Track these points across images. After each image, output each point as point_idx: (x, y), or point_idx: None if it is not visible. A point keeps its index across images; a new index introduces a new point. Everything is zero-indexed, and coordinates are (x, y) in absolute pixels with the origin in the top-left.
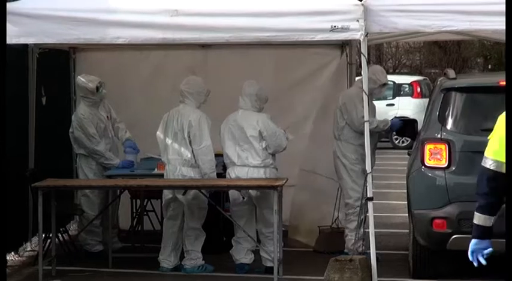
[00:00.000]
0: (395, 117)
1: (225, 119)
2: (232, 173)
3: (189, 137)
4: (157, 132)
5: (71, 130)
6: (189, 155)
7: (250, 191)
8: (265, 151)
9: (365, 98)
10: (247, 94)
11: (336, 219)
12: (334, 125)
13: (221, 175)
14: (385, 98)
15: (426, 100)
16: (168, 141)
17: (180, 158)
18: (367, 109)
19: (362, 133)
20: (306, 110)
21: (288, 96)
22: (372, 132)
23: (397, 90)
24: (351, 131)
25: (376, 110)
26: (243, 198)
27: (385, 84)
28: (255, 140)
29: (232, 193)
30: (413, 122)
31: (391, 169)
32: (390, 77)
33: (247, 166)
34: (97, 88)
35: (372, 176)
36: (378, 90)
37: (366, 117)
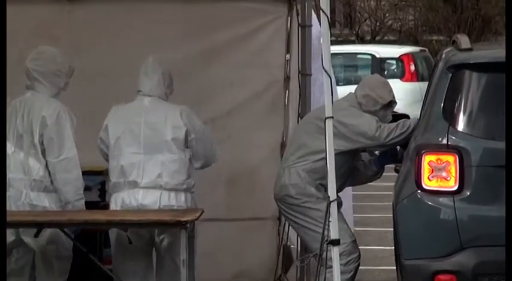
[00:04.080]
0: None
1: (110, 110)
2: (131, 199)
3: (41, 143)
4: None
5: None
6: (42, 173)
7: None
8: (190, 164)
9: (326, 79)
10: (155, 73)
11: (280, 276)
12: (293, 143)
13: (98, 204)
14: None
15: (424, 84)
16: (9, 149)
17: (26, 178)
18: (330, 101)
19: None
20: (232, 100)
21: (204, 78)
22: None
23: (379, 69)
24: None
25: None
26: (130, 241)
27: (391, 103)
28: (180, 146)
29: (119, 234)
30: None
31: (369, 195)
32: (368, 48)
33: (161, 188)
34: None
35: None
36: (383, 113)
37: (329, 113)
